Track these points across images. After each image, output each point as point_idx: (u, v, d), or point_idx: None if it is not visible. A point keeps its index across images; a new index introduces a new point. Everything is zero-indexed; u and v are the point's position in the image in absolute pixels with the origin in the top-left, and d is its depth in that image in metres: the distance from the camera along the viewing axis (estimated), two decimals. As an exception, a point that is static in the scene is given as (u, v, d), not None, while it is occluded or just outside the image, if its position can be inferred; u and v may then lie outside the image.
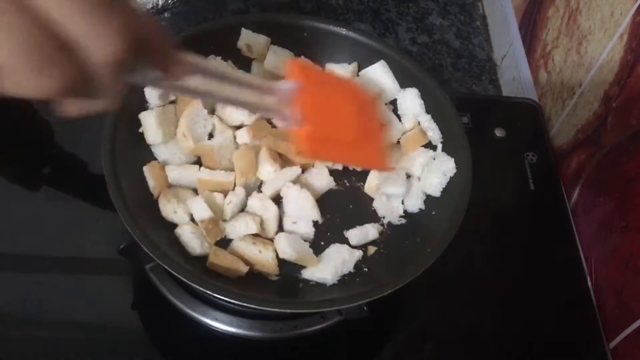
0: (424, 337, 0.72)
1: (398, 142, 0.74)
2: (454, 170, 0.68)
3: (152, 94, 0.68)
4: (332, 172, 0.71)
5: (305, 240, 0.66)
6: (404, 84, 0.75)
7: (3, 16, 0.30)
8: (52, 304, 0.68)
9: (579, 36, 0.86)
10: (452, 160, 0.69)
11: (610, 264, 0.75)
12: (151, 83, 0.44)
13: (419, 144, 0.72)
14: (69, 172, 0.78)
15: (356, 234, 0.67)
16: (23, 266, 0.71)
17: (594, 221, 0.80)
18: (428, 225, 0.67)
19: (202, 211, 0.63)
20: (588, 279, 0.78)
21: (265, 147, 0.68)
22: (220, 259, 0.61)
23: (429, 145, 0.73)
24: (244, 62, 0.76)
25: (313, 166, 0.71)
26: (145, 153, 0.68)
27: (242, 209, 0.67)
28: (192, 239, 0.62)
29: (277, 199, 0.67)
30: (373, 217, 0.70)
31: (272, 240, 0.65)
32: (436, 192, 0.69)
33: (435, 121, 0.73)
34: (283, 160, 0.69)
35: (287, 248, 0.63)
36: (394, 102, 0.76)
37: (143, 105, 0.69)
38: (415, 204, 0.70)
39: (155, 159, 0.68)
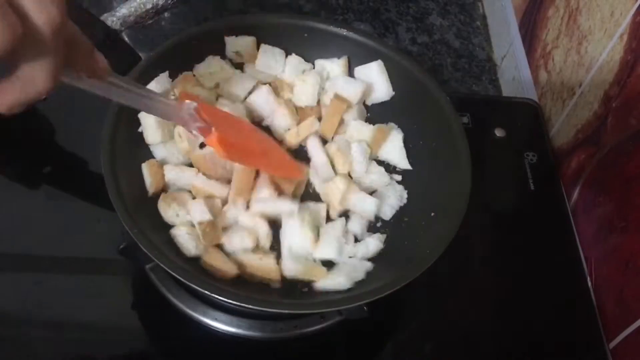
0: (424, 337, 0.72)
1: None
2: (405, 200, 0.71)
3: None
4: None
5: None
6: (397, 84, 0.76)
7: None
8: (52, 304, 0.68)
9: (579, 36, 0.86)
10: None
11: (610, 264, 0.75)
12: (71, 79, 0.47)
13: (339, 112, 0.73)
14: (69, 171, 0.78)
15: (360, 249, 0.67)
16: (23, 266, 0.70)
17: (594, 221, 0.80)
18: (427, 226, 0.67)
19: (201, 213, 0.63)
20: (588, 279, 0.78)
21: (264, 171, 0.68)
22: (212, 258, 0.61)
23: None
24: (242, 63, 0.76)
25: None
26: (144, 153, 0.68)
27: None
28: (187, 240, 0.62)
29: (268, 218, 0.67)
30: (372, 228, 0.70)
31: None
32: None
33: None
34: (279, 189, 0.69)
35: (291, 265, 0.63)
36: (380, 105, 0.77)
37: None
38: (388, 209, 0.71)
39: (154, 158, 0.68)
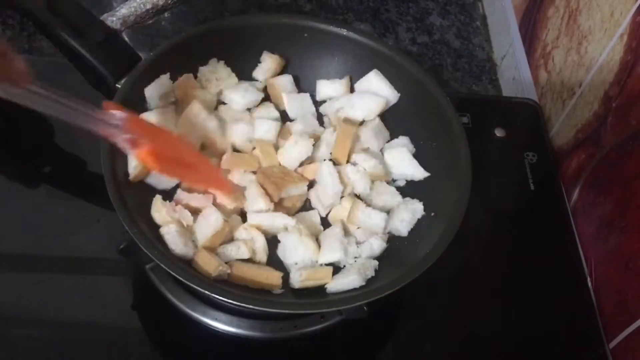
0: (424, 337, 0.72)
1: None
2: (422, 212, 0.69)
3: (152, 95, 0.68)
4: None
5: None
6: (397, 84, 0.75)
7: None
8: (52, 304, 0.68)
9: (579, 36, 0.86)
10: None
11: (610, 264, 0.75)
12: None
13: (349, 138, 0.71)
14: (69, 171, 0.78)
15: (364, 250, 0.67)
16: (23, 266, 0.70)
17: (594, 221, 0.80)
18: (428, 226, 0.67)
19: (216, 221, 0.63)
20: (588, 279, 0.78)
21: (255, 183, 0.68)
22: (202, 259, 0.60)
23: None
24: (241, 63, 0.76)
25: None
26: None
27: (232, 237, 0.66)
28: (176, 237, 0.61)
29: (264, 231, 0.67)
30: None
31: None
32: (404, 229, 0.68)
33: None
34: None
35: (298, 277, 0.62)
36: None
37: (143, 106, 0.69)
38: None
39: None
